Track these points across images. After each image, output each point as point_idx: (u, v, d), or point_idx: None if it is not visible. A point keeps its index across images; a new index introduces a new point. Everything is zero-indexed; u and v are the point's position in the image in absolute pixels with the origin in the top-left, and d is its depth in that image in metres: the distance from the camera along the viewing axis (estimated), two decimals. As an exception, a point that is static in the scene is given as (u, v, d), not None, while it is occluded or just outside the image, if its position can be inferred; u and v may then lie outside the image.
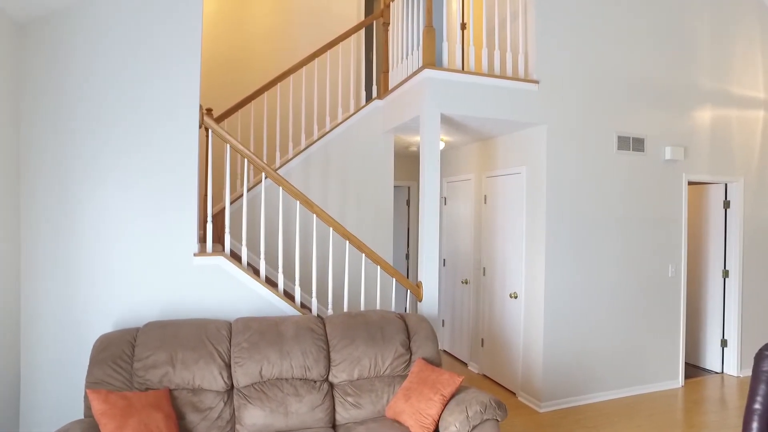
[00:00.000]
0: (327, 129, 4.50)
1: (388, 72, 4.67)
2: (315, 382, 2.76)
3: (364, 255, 3.44)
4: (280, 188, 3.25)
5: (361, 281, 3.48)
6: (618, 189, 4.29)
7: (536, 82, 3.95)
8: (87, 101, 2.82)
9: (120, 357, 2.52)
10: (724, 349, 4.98)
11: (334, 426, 2.75)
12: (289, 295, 4.04)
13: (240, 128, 4.85)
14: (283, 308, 3.20)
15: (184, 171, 2.99)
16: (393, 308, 3.64)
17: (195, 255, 3.00)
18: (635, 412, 3.97)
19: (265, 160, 4.59)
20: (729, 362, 4.93)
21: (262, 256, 3.23)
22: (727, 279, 4.94)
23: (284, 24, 5.55)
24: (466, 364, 5.22)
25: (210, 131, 3.16)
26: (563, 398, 4.09)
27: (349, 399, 2.79)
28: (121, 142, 2.88)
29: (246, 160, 3.18)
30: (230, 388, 2.65)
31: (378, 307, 3.50)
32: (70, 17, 2.80)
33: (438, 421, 2.56)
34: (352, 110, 4.58)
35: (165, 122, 2.95)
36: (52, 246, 2.78)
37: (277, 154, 4.40)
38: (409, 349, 2.96)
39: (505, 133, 4.53)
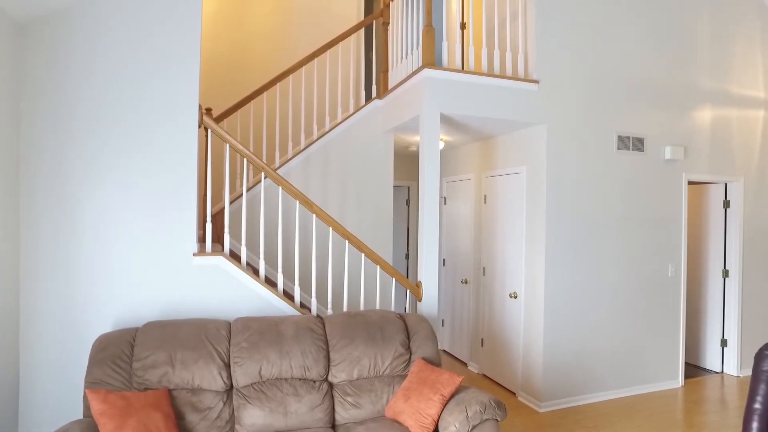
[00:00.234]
0: (326, 129, 4.50)
1: (387, 72, 4.67)
2: (314, 382, 2.76)
3: (363, 255, 3.44)
4: (280, 188, 3.25)
5: (360, 281, 3.48)
6: (618, 189, 4.29)
7: (536, 81, 3.95)
8: (87, 101, 2.82)
9: (119, 357, 2.52)
10: (724, 348, 4.98)
11: (333, 426, 2.75)
12: (288, 295, 4.04)
13: (239, 128, 4.84)
14: (283, 308, 3.20)
15: (184, 171, 2.99)
16: (392, 308, 3.64)
17: (194, 255, 3.00)
18: (635, 412, 3.97)
19: (264, 160, 4.58)
20: (729, 362, 4.93)
21: (262, 255, 3.23)
22: (727, 279, 4.94)
23: (284, 24, 5.55)
24: (465, 364, 5.22)
25: (209, 131, 3.16)
26: (563, 398, 4.09)
27: (349, 399, 2.79)
28: (120, 141, 2.88)
29: (245, 159, 3.18)
30: (229, 388, 2.65)
31: (377, 307, 3.50)
32: (70, 17, 2.80)
33: (438, 421, 2.56)
34: (351, 110, 4.58)
35: (164, 122, 2.95)
36: (52, 246, 2.78)
37: (277, 153, 4.39)
38: (408, 349, 2.96)
39: (505, 133, 4.53)
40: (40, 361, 2.78)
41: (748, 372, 4.90)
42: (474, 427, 2.46)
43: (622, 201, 4.31)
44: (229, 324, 2.80)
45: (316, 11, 5.65)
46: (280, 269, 3.26)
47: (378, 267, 3.47)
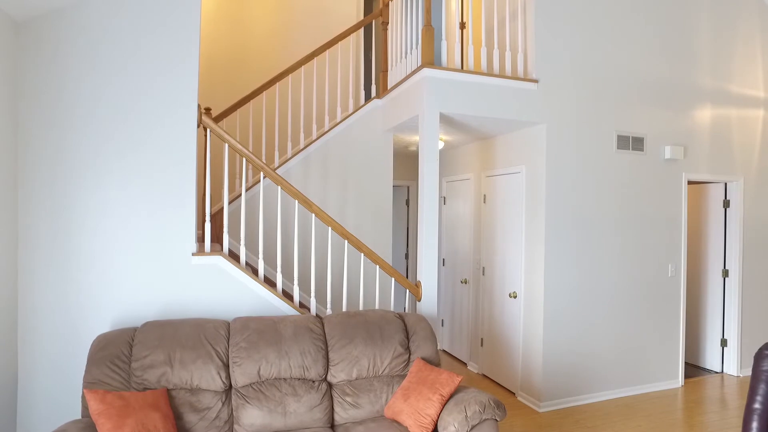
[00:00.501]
0: (326, 128, 4.50)
1: (387, 71, 4.66)
2: (313, 381, 2.76)
3: (362, 254, 3.43)
4: (279, 188, 3.24)
5: (360, 281, 3.47)
6: (617, 188, 4.28)
7: (535, 81, 3.94)
8: (85, 100, 2.82)
9: (118, 357, 2.51)
10: (724, 348, 4.97)
11: (332, 426, 2.75)
12: (287, 295, 4.04)
13: (239, 128, 4.84)
14: (282, 308, 3.19)
15: (183, 170, 2.98)
16: (392, 308, 3.63)
17: (193, 254, 2.99)
18: (635, 411, 3.97)
19: (263, 160, 4.58)
20: (729, 362, 4.92)
21: (261, 255, 3.22)
22: (726, 278, 4.93)
23: (283, 23, 5.54)
24: (465, 364, 5.21)
25: (208, 130, 3.16)
26: (563, 398, 4.08)
27: (348, 399, 2.78)
28: (119, 141, 2.87)
29: (244, 159, 3.18)
30: (228, 388, 2.65)
31: (377, 307, 3.49)
32: (69, 16, 2.79)
33: (437, 421, 2.55)
34: (351, 109, 4.57)
35: (163, 121, 2.95)
36: (50, 245, 2.77)
37: (276, 153, 4.39)
38: (407, 349, 2.96)
39: (504, 133, 4.52)
40: (38, 361, 2.77)
41: (748, 372, 4.90)
42: (473, 427, 2.45)
43: (622, 201, 4.30)
44: (228, 324, 2.79)
45: (315, 11, 5.64)
46: (279, 269, 3.25)
47: (377, 267, 3.47)
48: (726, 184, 4.92)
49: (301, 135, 4.46)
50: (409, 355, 2.95)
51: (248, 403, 2.59)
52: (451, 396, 2.62)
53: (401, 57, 4.26)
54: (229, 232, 4.28)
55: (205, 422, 2.50)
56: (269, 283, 4.01)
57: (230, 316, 3.09)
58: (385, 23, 4.66)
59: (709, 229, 5.11)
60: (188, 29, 2.98)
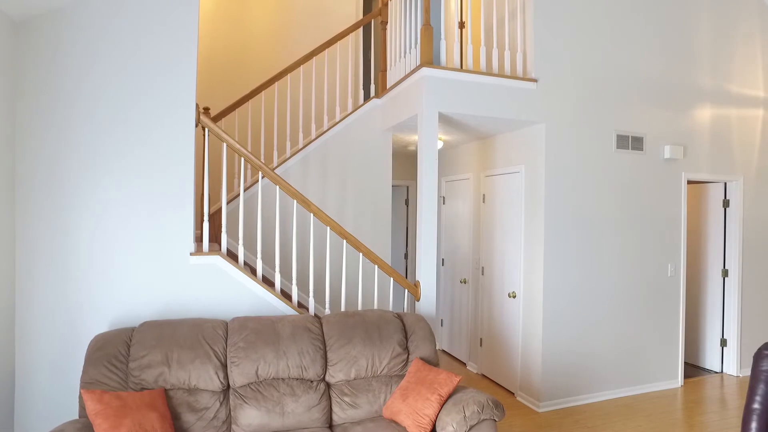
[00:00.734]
0: (325, 128, 4.49)
1: (386, 71, 4.66)
2: (312, 381, 2.75)
3: (361, 254, 3.43)
4: (278, 187, 3.24)
5: (358, 280, 3.46)
6: (617, 188, 4.28)
7: (535, 80, 3.94)
8: (84, 100, 2.81)
9: (115, 357, 2.51)
10: (724, 348, 4.97)
11: (330, 426, 2.74)
12: (286, 295, 4.03)
13: (237, 127, 4.83)
14: (280, 307, 3.18)
15: (181, 170, 2.98)
16: (391, 308, 3.63)
17: (191, 254, 2.99)
18: (634, 411, 3.96)
19: (262, 160, 4.58)
20: (728, 362, 4.92)
21: (259, 255, 3.21)
22: (726, 278, 4.93)
23: (282, 23, 5.53)
24: (464, 364, 5.21)
25: (207, 130, 3.15)
26: (562, 398, 4.08)
27: (346, 399, 2.77)
28: (117, 141, 2.87)
29: (243, 159, 3.17)
30: (226, 388, 2.64)
31: (375, 307, 3.49)
32: (68, 16, 2.78)
33: (435, 421, 2.55)
34: (350, 109, 4.57)
35: (162, 121, 2.94)
36: (48, 245, 2.77)
37: (275, 153, 4.38)
38: (406, 349, 2.95)
39: (503, 132, 4.51)
40: (35, 361, 2.76)
41: (748, 372, 4.89)
42: (471, 427, 2.45)
43: (621, 200, 4.30)
44: (226, 324, 2.79)
45: (314, 10, 5.64)
46: (277, 269, 3.25)
47: (376, 266, 3.46)
48: (726, 183, 4.91)
49: (300, 135, 4.45)
50: (408, 355, 2.95)
51: (246, 403, 2.59)
52: (450, 396, 2.62)
53: (400, 56, 4.25)
54: (227, 232, 4.28)
55: (202, 422, 2.50)
56: (268, 282, 4.00)
57: (229, 315, 3.08)
58: (384, 23, 4.65)
59: (708, 229, 5.11)
60: (188, 29, 2.98)
